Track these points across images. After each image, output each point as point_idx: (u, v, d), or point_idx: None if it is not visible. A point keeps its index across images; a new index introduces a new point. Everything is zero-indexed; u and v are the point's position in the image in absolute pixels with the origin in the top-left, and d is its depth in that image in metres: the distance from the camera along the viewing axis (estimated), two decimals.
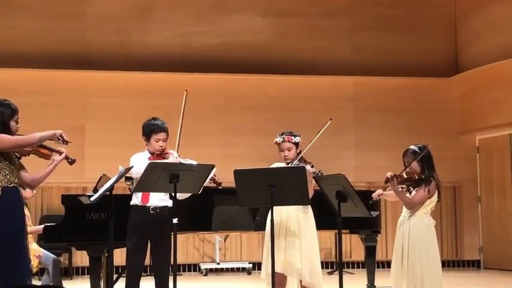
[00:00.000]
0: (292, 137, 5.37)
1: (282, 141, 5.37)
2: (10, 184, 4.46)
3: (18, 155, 4.61)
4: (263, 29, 10.77)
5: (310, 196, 5.04)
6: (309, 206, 5.32)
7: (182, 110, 5.33)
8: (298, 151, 5.40)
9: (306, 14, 10.88)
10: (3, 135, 4.43)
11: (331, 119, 5.42)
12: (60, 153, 4.69)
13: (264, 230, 5.47)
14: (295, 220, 5.30)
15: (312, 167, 5.17)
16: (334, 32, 10.93)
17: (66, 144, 4.64)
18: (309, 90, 10.63)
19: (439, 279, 5.10)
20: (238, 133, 10.39)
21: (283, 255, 5.22)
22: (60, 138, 4.58)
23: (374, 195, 5.38)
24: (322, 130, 5.38)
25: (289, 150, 5.35)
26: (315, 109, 10.49)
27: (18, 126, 4.59)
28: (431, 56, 11.11)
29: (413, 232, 5.10)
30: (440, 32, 11.24)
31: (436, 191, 5.16)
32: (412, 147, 5.25)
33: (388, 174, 5.12)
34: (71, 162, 4.74)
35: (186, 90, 5.35)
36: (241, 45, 10.63)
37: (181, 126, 5.29)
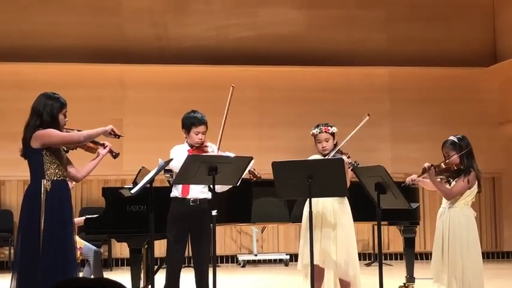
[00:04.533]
0: (329, 128, 5.37)
1: (319, 133, 5.36)
2: (59, 177, 4.54)
3: (65, 149, 4.69)
4: (298, 21, 10.74)
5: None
6: (345, 197, 5.32)
7: (227, 106, 5.33)
8: (335, 142, 5.40)
9: (340, 5, 10.82)
10: (53, 130, 4.49)
11: (368, 115, 5.40)
12: (105, 146, 4.76)
13: (301, 221, 5.48)
14: (331, 211, 5.29)
15: (348, 157, 5.17)
16: (369, 23, 10.86)
17: (119, 138, 4.72)
18: (344, 82, 10.59)
19: (480, 271, 5.05)
20: (273, 125, 10.40)
21: (319, 246, 5.22)
22: (112, 133, 4.66)
23: (408, 179, 5.32)
24: (360, 126, 5.37)
25: (326, 141, 5.35)
26: (350, 101, 10.46)
27: (66, 120, 4.63)
28: (469, 45, 10.96)
29: (454, 223, 5.06)
30: (478, 21, 11.08)
31: (476, 182, 5.11)
32: (452, 137, 5.20)
33: (426, 164, 5.10)
34: (115, 155, 4.80)
35: (232, 86, 5.34)
36: (276, 37, 10.63)
37: (225, 121, 5.30)
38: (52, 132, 4.47)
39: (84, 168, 4.76)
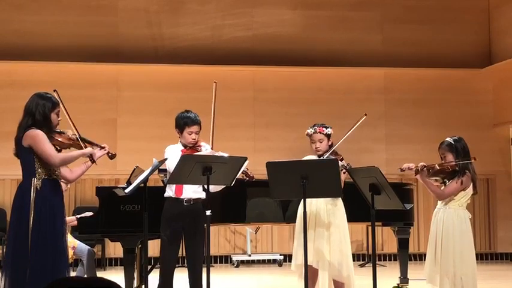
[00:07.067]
0: (324, 129, 5.36)
1: (314, 133, 5.35)
2: (51, 177, 4.52)
3: (58, 148, 4.67)
4: (293, 21, 10.74)
5: None
6: (339, 198, 5.31)
7: (213, 102, 5.34)
8: (329, 143, 5.38)
9: (336, 6, 10.82)
10: (41, 137, 4.44)
11: (365, 115, 5.36)
12: (101, 147, 4.74)
13: (295, 221, 5.47)
14: (325, 212, 5.29)
15: (342, 160, 5.15)
16: (365, 24, 10.86)
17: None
18: (339, 83, 10.59)
19: (474, 272, 5.04)
20: (268, 126, 10.40)
21: (313, 246, 5.21)
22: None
23: (404, 166, 5.24)
24: (356, 125, 5.34)
25: (320, 142, 5.34)
26: (345, 101, 10.46)
27: (59, 119, 4.64)
28: (464, 47, 10.98)
29: (447, 224, 5.06)
30: (473, 23, 11.09)
31: (471, 184, 5.10)
32: (448, 139, 5.19)
33: (419, 164, 5.09)
34: (112, 156, 4.80)
35: (215, 82, 5.36)
36: (271, 37, 10.62)
37: (213, 118, 5.30)
38: (40, 139, 4.44)
39: (77, 170, 4.74)
